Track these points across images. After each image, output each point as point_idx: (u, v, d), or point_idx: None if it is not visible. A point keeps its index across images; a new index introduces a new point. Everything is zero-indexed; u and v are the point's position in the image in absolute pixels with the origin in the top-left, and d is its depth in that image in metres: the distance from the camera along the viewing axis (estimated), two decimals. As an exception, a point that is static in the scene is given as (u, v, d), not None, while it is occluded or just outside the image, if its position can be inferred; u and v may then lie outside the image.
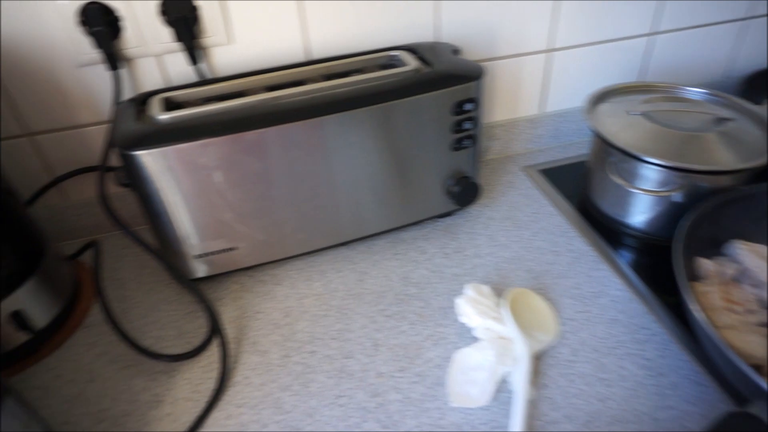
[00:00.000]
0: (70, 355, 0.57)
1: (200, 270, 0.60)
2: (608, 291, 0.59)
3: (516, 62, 0.75)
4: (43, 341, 0.57)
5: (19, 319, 0.54)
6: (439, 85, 0.56)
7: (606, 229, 0.67)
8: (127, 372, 0.55)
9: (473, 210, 0.72)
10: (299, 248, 0.64)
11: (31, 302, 0.56)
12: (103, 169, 0.58)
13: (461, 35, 0.70)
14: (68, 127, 0.64)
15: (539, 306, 0.57)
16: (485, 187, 0.76)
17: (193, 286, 0.57)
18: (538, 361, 0.52)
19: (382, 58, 0.62)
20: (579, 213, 0.70)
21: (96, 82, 0.62)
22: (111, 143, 0.59)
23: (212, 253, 0.59)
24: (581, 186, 0.73)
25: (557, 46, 0.75)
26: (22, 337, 0.55)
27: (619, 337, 0.54)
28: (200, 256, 0.59)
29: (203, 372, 0.54)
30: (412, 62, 0.59)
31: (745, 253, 0.54)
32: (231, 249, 0.60)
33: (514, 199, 0.73)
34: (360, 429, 0.48)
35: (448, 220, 0.70)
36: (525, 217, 0.70)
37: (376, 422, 0.49)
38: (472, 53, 0.72)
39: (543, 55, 0.76)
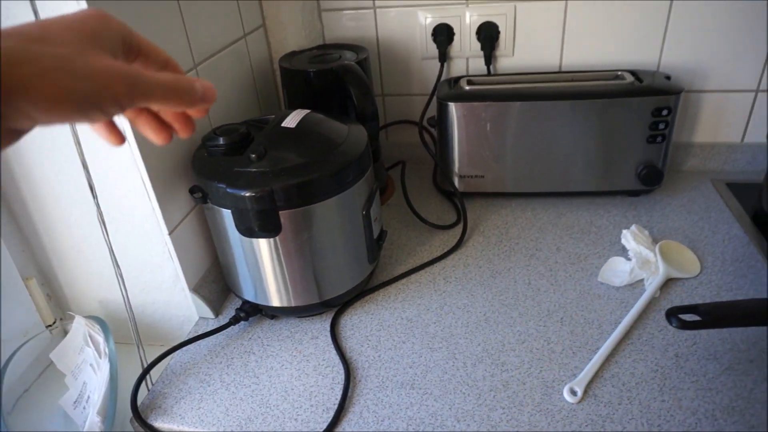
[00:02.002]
0: (377, 216, 1.00)
1: (459, 186, 0.98)
2: (748, 263, 0.79)
3: (723, 96, 0.97)
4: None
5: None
6: (644, 94, 0.85)
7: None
8: (407, 229, 0.95)
9: (657, 195, 0.96)
10: (522, 188, 0.97)
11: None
12: (422, 119, 1.01)
13: (679, 67, 0.95)
14: (404, 94, 1.10)
15: (687, 255, 0.80)
16: (673, 185, 0.98)
17: (456, 191, 0.95)
18: (670, 281, 0.76)
19: (610, 74, 0.93)
20: (750, 217, 0.89)
21: (427, 70, 1.05)
22: (428, 103, 1.02)
23: (468, 177, 0.97)
24: (759, 198, 0.91)
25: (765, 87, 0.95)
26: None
27: (746, 291, 0.74)
28: (461, 176, 0.97)
29: (448, 238, 0.91)
30: (629, 78, 0.89)
31: None
32: (481, 176, 0.96)
33: (694, 196, 0.95)
34: (536, 282, 0.79)
35: (634, 198, 0.96)
36: (698, 208, 0.92)
37: (547, 281, 0.79)
38: (683, 82, 0.96)
39: (751, 94, 0.96)
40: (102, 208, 0.68)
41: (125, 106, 0.29)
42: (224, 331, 0.74)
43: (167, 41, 0.70)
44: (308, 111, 0.74)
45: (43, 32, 0.27)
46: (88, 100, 0.27)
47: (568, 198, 0.98)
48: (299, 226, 0.67)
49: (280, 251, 0.68)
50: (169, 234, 0.71)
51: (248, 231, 0.67)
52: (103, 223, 0.68)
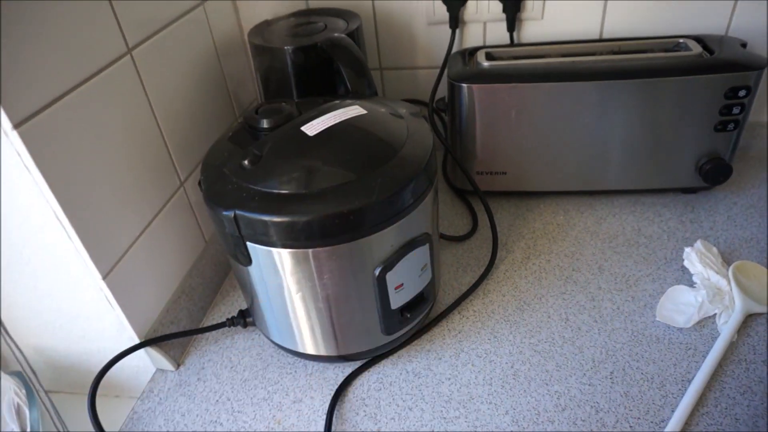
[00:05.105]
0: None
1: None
2: None
3: (806, 67, 0.77)
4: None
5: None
6: (717, 70, 0.66)
7: None
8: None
9: (718, 192, 0.78)
10: (552, 186, 0.79)
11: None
12: (432, 100, 0.82)
13: (755, 31, 0.75)
14: (408, 68, 0.90)
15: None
16: (738, 178, 0.80)
17: (480, 192, 0.76)
18: (749, 318, 0.60)
19: (669, 44, 0.73)
20: (837, 220, 0.71)
21: (436, 38, 0.85)
22: (438, 80, 0.83)
23: (488, 173, 0.79)
24: None
25: None
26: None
27: (842, 324, 0.58)
28: (479, 173, 0.79)
29: (461, 252, 0.75)
30: (695, 48, 0.69)
31: None
32: (503, 173, 0.78)
33: (766, 193, 0.77)
34: (575, 317, 0.63)
35: (690, 195, 0.78)
36: (773, 210, 0.74)
37: (589, 317, 0.63)
38: (762, 50, 0.76)
39: (841, 64, 0.76)
40: (9, 245, 0.52)
41: None
42: (186, 385, 0.59)
43: (83, 21, 0.51)
44: (361, 112, 0.55)
45: None
46: None
47: (608, 197, 0.80)
48: (269, 265, 0.50)
49: (252, 281, 0.53)
50: (104, 278, 0.54)
51: (227, 247, 0.53)
52: None
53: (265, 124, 0.55)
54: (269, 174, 0.48)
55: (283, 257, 0.49)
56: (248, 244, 0.49)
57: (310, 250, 0.48)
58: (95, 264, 0.53)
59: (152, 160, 0.61)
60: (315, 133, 0.50)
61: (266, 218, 0.46)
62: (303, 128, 0.51)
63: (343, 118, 0.52)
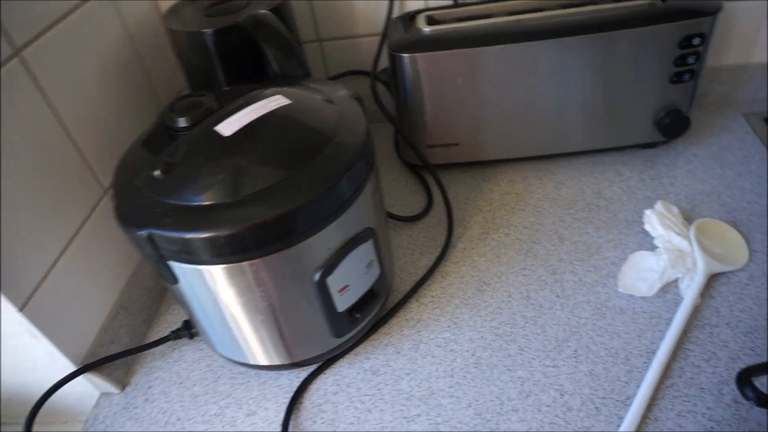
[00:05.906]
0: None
1: (428, 158, 0.76)
2: (807, 237, 0.60)
3: (761, 4, 0.74)
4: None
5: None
6: (669, 18, 0.62)
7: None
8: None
9: (678, 145, 0.75)
10: (508, 154, 0.76)
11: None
12: (374, 70, 0.76)
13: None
14: (348, 37, 0.84)
15: (731, 237, 0.61)
16: (697, 127, 0.77)
17: (431, 167, 0.73)
18: (712, 278, 0.58)
19: (618, -8, 0.68)
20: (798, 165, 0.69)
21: (375, 2, 0.79)
22: (380, 50, 0.77)
23: (439, 145, 0.74)
24: (809, 139, 0.71)
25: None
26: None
27: (805, 277, 0.56)
28: (430, 146, 0.75)
29: (416, 233, 0.71)
30: (646, -4, 0.65)
31: None
32: (455, 144, 0.74)
33: (726, 141, 0.75)
34: (537, 294, 0.60)
35: (650, 150, 0.75)
36: (733, 159, 0.72)
37: (551, 292, 0.60)
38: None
39: (797, -2, 0.73)
40: None
41: None
42: (132, 408, 0.56)
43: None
44: (284, 102, 0.49)
45: None
46: None
47: (567, 160, 0.77)
48: (198, 283, 0.46)
49: (185, 298, 0.49)
50: (21, 310, 0.49)
51: (150, 267, 0.48)
52: None
53: (182, 122, 0.49)
54: (184, 184, 0.43)
55: (212, 273, 0.44)
56: (171, 263, 0.45)
57: (239, 264, 0.44)
58: (8, 297, 0.48)
59: (64, 171, 0.56)
60: (231, 132, 0.45)
61: (184, 235, 0.41)
62: (217, 128, 0.46)
63: (263, 112, 0.47)
